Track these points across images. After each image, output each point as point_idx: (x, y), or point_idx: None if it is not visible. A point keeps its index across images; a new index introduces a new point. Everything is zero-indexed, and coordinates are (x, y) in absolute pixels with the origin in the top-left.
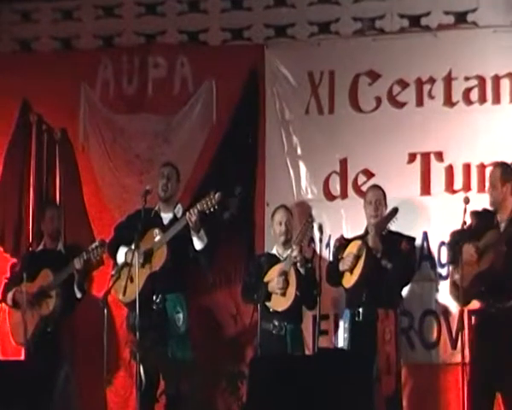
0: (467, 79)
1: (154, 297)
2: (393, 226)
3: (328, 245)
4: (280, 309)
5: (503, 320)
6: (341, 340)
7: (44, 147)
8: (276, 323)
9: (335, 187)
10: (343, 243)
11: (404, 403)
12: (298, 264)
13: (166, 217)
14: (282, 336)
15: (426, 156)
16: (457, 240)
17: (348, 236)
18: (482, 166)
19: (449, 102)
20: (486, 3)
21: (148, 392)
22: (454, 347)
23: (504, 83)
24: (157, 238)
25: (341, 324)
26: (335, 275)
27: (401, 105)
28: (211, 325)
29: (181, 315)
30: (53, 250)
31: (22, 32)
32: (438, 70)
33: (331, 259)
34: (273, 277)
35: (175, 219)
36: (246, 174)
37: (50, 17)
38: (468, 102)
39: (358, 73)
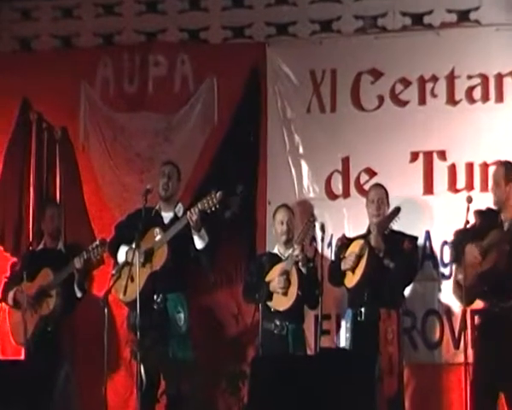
0: (469, 77)
1: (155, 297)
2: (396, 225)
3: (330, 244)
4: (281, 309)
5: (506, 320)
6: (343, 340)
7: (44, 145)
8: (278, 323)
9: (337, 186)
10: (345, 243)
11: (407, 403)
12: (299, 263)
13: (167, 216)
14: (284, 336)
15: (428, 155)
16: (460, 239)
17: (350, 235)
18: (485, 165)
19: (452, 100)
20: (489, 2)
21: (149, 392)
22: (457, 347)
23: (507, 81)
24: (158, 237)
25: (343, 323)
26: (337, 274)
27: (403, 104)
28: (212, 324)
29: (182, 315)
30: (53, 249)
31: (22, 30)
32: (440, 68)
33: (333, 258)
34: (274, 276)
35: (176, 219)
36: (247, 173)
37: (50, 15)
38: (471, 100)
39: (360, 71)
